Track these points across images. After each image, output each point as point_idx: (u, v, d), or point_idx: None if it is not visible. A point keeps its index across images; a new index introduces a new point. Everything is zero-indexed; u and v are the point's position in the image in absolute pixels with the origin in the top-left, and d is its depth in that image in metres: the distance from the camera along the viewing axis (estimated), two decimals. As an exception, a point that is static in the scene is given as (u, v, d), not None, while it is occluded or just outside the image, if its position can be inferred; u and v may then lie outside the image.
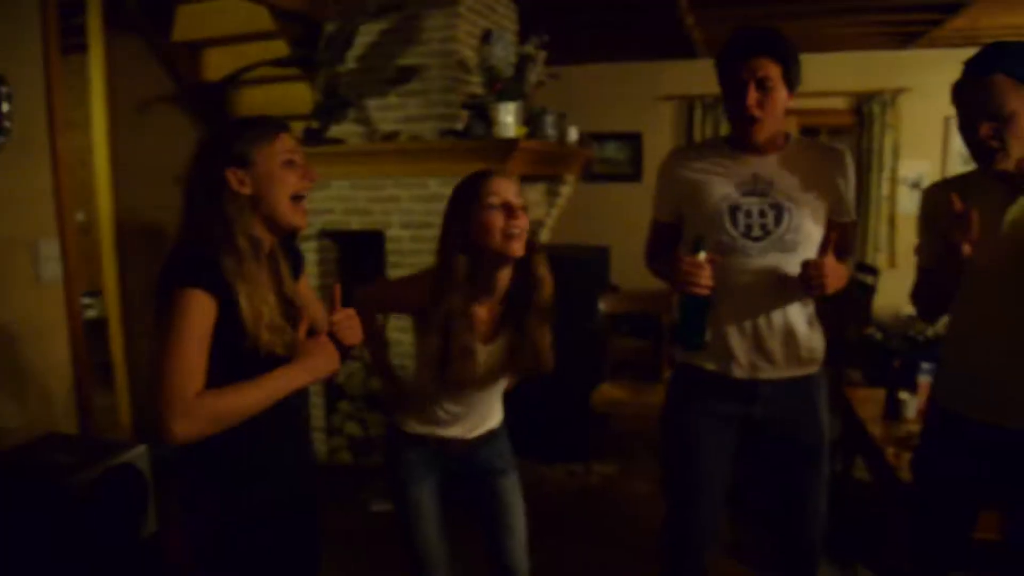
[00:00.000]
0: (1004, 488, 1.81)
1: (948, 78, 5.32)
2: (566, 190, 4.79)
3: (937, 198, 1.91)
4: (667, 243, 2.16)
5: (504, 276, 1.90)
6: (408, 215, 3.77)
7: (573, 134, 4.33)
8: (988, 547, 2.09)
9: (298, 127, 3.88)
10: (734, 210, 1.97)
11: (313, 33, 3.89)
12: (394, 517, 2.09)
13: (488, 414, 2.08)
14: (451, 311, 1.83)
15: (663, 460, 2.30)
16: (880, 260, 5.80)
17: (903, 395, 3.39)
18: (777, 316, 1.99)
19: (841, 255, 1.98)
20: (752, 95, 1.88)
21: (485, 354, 1.92)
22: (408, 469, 2.03)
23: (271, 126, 1.59)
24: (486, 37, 3.71)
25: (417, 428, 2.03)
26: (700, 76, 6.07)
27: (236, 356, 1.46)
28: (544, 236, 4.78)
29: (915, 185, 5.88)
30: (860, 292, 5.32)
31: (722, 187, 1.99)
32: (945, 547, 1.97)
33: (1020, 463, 1.76)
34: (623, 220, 5.92)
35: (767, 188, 1.97)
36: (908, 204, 5.87)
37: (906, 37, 5.35)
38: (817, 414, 2.08)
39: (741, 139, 1.99)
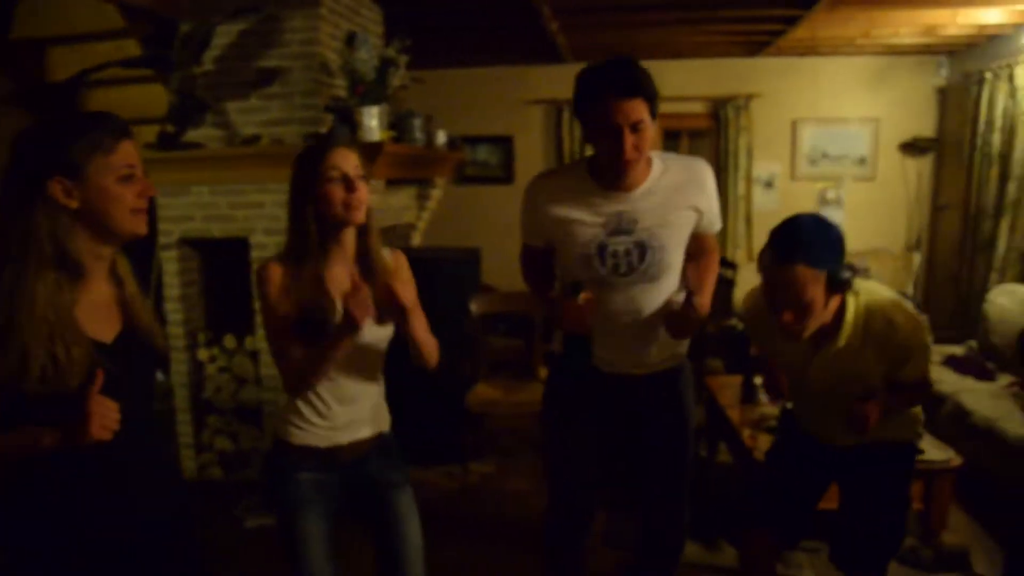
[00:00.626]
0: (835, 475, 2.23)
1: (794, 84, 5.76)
2: (436, 193, 4.81)
3: (754, 320, 2.21)
4: (541, 265, 2.25)
5: (350, 238, 1.91)
6: (273, 221, 3.66)
7: (441, 137, 4.36)
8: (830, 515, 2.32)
9: (153, 130, 3.71)
10: (602, 250, 2.06)
11: (168, 32, 3.72)
12: (272, 533, 2.00)
13: (374, 413, 2.02)
14: (309, 277, 1.82)
15: (544, 455, 2.40)
16: (739, 255, 6.16)
17: (758, 380, 3.61)
18: (645, 330, 2.13)
19: (704, 277, 2.21)
20: (628, 140, 1.87)
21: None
22: (296, 494, 1.92)
23: (110, 131, 1.44)
24: (350, 40, 3.66)
25: (304, 438, 1.93)
26: (567, 81, 6.11)
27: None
28: (416, 239, 4.78)
29: (768, 184, 6.28)
30: (721, 285, 5.61)
31: (589, 229, 2.05)
32: (793, 517, 2.30)
33: (844, 463, 2.16)
34: (496, 222, 6.03)
35: (632, 226, 2.04)
36: (763, 201, 6.25)
37: (755, 46, 5.70)
38: (683, 401, 2.25)
39: (611, 179, 2.00)
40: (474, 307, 3.91)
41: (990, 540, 3.24)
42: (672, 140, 6.52)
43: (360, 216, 1.84)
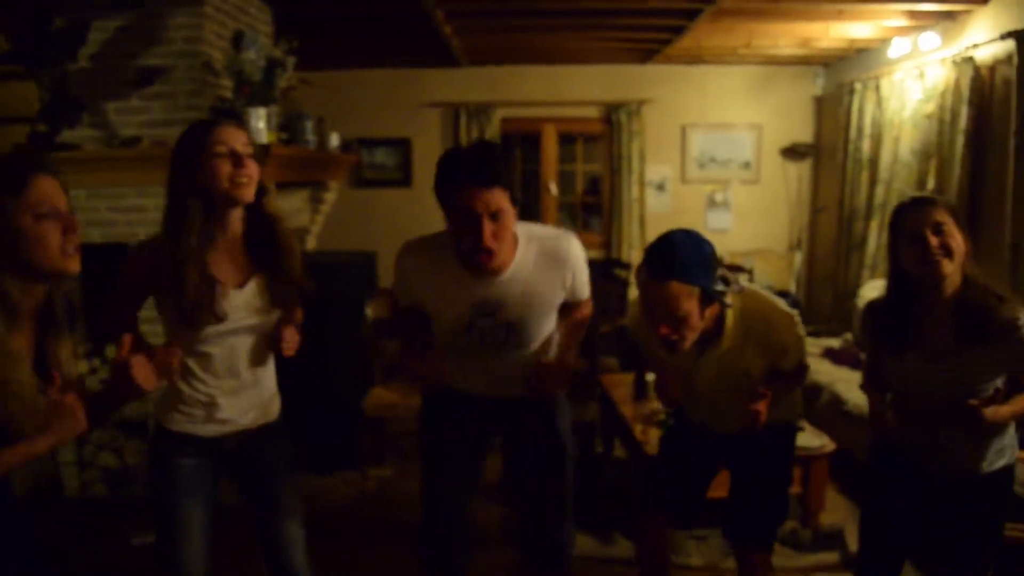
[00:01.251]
0: (724, 457, 2.37)
1: (683, 91, 5.98)
2: (330, 196, 4.74)
3: (638, 331, 2.28)
4: (412, 318, 2.24)
5: (236, 220, 1.87)
6: (154, 226, 3.47)
7: (335, 140, 4.30)
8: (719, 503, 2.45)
9: (23, 130, 3.51)
10: (469, 328, 2.11)
11: (40, 27, 3.52)
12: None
13: (260, 400, 2.00)
14: (188, 252, 1.77)
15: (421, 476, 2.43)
16: (633, 256, 6.33)
17: (649, 376, 3.73)
18: (517, 376, 2.17)
19: (570, 337, 2.27)
20: (487, 227, 1.87)
21: (241, 298, 1.88)
22: (177, 481, 1.90)
23: (20, 170, 1.39)
24: (236, 39, 3.57)
25: (186, 425, 1.90)
26: (463, 84, 6.31)
27: None
28: (310, 243, 4.70)
29: (660, 187, 6.50)
30: (616, 285, 5.77)
31: (455, 308, 2.09)
32: (686, 502, 2.43)
33: (732, 446, 2.28)
34: (394, 224, 5.96)
35: (496, 309, 2.07)
36: (655, 204, 6.46)
37: (645, 53, 5.89)
38: (555, 420, 2.31)
39: (473, 266, 1.99)
40: (369, 311, 3.88)
41: (863, 519, 3.46)
42: (567, 145, 6.65)
43: (248, 194, 1.81)
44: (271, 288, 1.92)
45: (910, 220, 1.90)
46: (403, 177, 6.40)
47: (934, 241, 1.85)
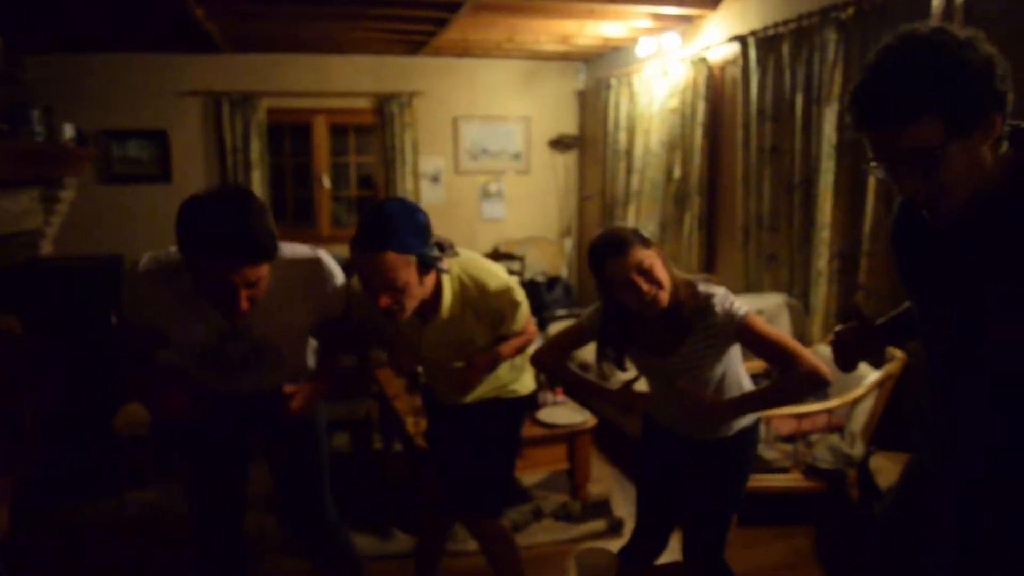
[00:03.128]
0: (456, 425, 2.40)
1: (453, 83, 6.02)
2: (67, 195, 4.26)
3: (361, 307, 2.20)
4: (142, 342, 2.11)
5: None
6: None
7: (68, 131, 3.87)
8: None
9: None
10: (215, 354, 2.03)
11: None
12: None
13: None
14: None
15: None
16: (413, 248, 6.32)
17: (420, 368, 3.73)
18: (269, 385, 2.17)
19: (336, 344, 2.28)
20: (243, 298, 1.78)
21: None
22: None
23: None
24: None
25: None
26: (225, 72, 5.93)
27: None
28: (46, 247, 4.20)
29: (435, 179, 6.53)
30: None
31: (199, 335, 1.98)
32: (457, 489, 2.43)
33: (466, 420, 2.34)
34: (154, 223, 5.52)
35: (245, 333, 2.00)
36: (430, 196, 6.49)
37: (414, 45, 5.87)
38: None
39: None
40: (115, 320, 3.53)
41: (628, 484, 3.72)
42: (339, 136, 6.50)
43: None
44: None
45: (613, 269, 1.94)
46: (161, 172, 5.90)
47: (645, 285, 1.92)
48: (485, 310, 2.12)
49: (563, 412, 3.48)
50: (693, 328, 1.98)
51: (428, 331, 2.14)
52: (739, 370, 2.17)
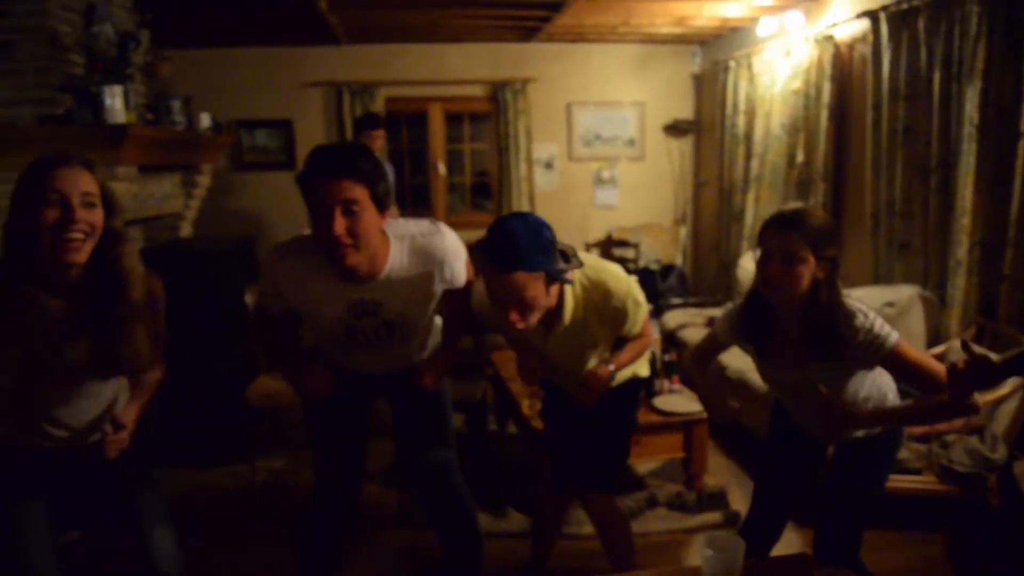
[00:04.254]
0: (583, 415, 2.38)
1: (567, 69, 6.00)
2: (204, 180, 4.52)
3: (488, 314, 2.23)
4: (280, 328, 2.23)
5: (75, 271, 1.72)
6: (4, 214, 3.26)
7: (205, 120, 4.10)
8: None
9: None
10: (349, 330, 2.11)
11: None
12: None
13: (106, 419, 1.91)
14: (14, 302, 1.64)
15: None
16: (524, 234, 6.36)
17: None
18: (395, 361, 2.29)
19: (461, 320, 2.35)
20: (340, 222, 1.82)
21: (69, 351, 1.75)
22: (14, 499, 1.78)
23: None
24: (88, 12, 3.33)
25: (16, 438, 1.82)
26: (345, 63, 6.14)
27: None
28: (185, 229, 4.48)
29: (548, 165, 6.54)
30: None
31: (332, 312, 2.07)
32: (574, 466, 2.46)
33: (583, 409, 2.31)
34: (278, 208, 5.82)
35: (376, 309, 2.07)
36: (544, 182, 6.51)
37: (527, 31, 5.89)
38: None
39: (342, 271, 1.95)
40: (249, 298, 3.73)
41: (746, 478, 3.63)
42: (455, 124, 6.60)
43: (75, 256, 1.66)
44: (103, 351, 1.80)
45: (767, 239, 1.91)
46: (286, 159, 6.18)
47: (778, 268, 1.87)
48: (608, 312, 2.13)
49: (680, 400, 3.42)
50: (831, 347, 1.89)
51: (552, 338, 2.17)
52: (881, 379, 2.06)
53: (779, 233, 1.88)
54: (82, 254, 1.67)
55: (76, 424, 1.86)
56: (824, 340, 1.89)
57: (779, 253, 1.87)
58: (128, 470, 1.97)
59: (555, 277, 1.96)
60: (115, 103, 3.06)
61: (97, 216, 1.69)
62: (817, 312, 1.89)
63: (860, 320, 1.86)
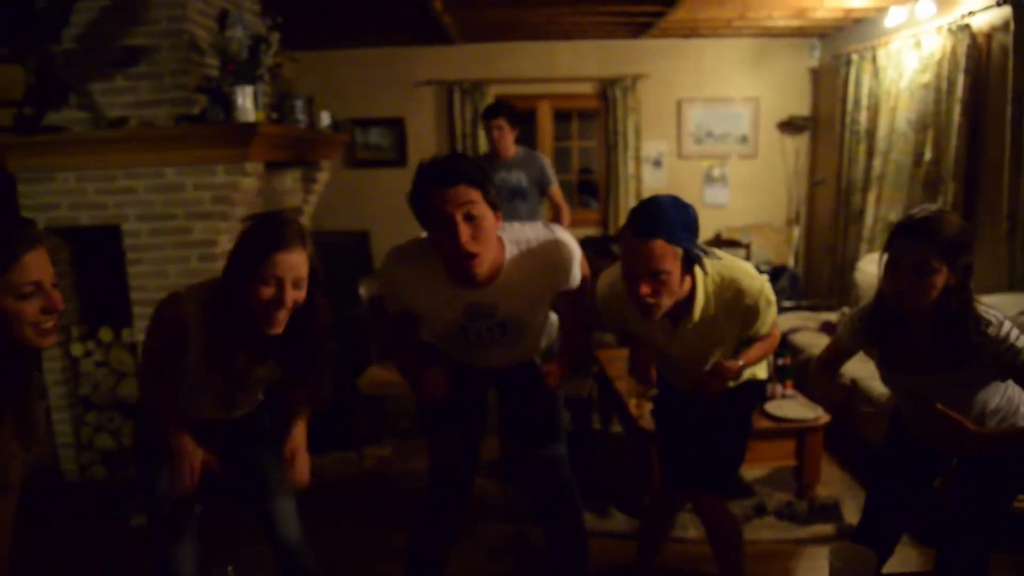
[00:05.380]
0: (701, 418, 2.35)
1: (678, 65, 5.88)
2: (323, 176, 4.70)
3: (612, 304, 2.26)
4: (401, 326, 2.27)
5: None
6: (145, 207, 3.50)
7: (325, 119, 4.26)
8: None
9: (9, 114, 3.48)
10: (464, 331, 2.15)
11: (22, 8, 3.47)
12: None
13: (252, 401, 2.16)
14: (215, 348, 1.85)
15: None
16: (630, 233, 6.29)
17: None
18: (508, 359, 2.32)
19: (577, 319, 2.33)
20: (464, 230, 1.85)
21: (255, 371, 1.96)
22: (160, 457, 1.94)
23: (12, 245, 1.39)
24: (222, 17, 3.53)
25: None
26: (457, 61, 6.24)
27: None
28: (304, 223, 4.67)
29: (657, 163, 6.45)
30: (613, 262, 5.74)
31: (447, 314, 2.11)
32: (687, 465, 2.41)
33: (708, 407, 2.30)
34: (389, 204, 5.95)
35: (491, 311, 2.10)
36: (651, 180, 6.42)
37: (639, 27, 5.81)
38: (536, 372, 2.35)
39: (460, 277, 1.98)
40: (363, 290, 3.86)
41: (860, 490, 3.46)
42: (563, 121, 6.60)
43: (278, 331, 1.82)
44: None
45: (896, 248, 1.83)
46: (398, 157, 6.35)
47: (908, 278, 1.79)
48: (739, 311, 2.08)
49: (793, 406, 3.30)
50: (961, 355, 1.79)
51: (678, 335, 2.14)
52: (1013, 391, 1.93)
53: (909, 242, 1.79)
54: (282, 327, 1.82)
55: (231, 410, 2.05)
56: (954, 348, 1.80)
57: (909, 263, 1.78)
58: (264, 445, 2.14)
59: (693, 259, 1.94)
60: (246, 103, 3.23)
61: (303, 294, 1.83)
62: (948, 319, 1.80)
63: (994, 329, 1.76)
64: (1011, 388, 1.93)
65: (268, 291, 1.75)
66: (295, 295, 1.78)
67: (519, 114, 4.57)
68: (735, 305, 2.07)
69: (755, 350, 2.21)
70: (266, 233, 1.78)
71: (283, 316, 1.78)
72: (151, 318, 1.87)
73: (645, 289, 1.92)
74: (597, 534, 3.12)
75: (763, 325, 2.15)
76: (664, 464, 2.54)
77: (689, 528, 3.14)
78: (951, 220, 1.81)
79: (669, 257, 1.88)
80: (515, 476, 3.46)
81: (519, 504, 3.30)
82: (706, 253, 2.01)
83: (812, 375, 2.27)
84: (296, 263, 1.77)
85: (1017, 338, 1.76)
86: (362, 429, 4.05)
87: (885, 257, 1.85)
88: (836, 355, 2.19)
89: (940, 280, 1.77)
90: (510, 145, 4.47)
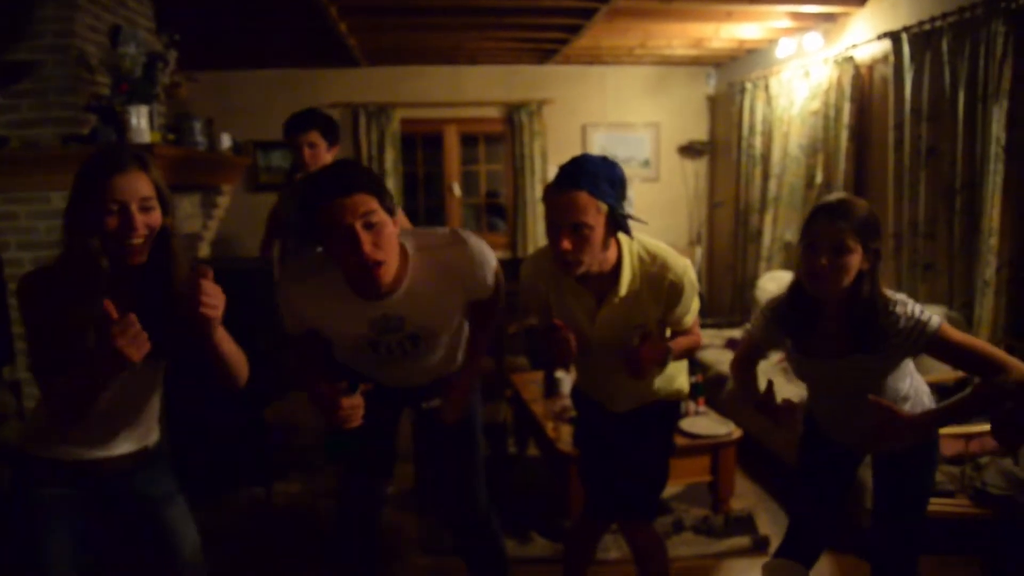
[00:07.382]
0: (617, 437, 2.32)
1: (583, 91, 5.96)
2: (224, 200, 4.52)
3: (536, 279, 2.18)
4: (310, 349, 2.12)
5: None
6: (27, 234, 3.26)
7: (226, 141, 4.11)
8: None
9: None
10: (373, 345, 2.04)
11: None
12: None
13: (139, 426, 1.86)
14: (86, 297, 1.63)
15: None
16: (539, 256, 6.34)
17: (559, 374, 3.72)
18: (422, 375, 2.23)
19: (483, 336, 2.26)
20: (366, 239, 1.76)
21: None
22: (40, 512, 1.73)
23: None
24: (114, 33, 3.35)
25: (52, 451, 1.75)
26: (362, 84, 6.16)
27: None
28: (203, 250, 4.46)
29: (563, 186, 6.52)
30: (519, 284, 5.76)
31: (354, 329, 2.00)
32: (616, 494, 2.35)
33: (625, 427, 2.29)
34: (294, 230, 5.79)
35: (399, 323, 2.00)
36: (558, 204, 6.48)
37: (544, 53, 5.91)
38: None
39: (364, 289, 1.89)
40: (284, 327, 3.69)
41: (772, 502, 3.56)
42: (469, 146, 6.61)
43: (139, 260, 1.67)
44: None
45: (814, 229, 1.86)
46: (302, 181, 6.19)
47: (826, 259, 1.82)
48: (663, 287, 2.02)
49: (706, 423, 3.37)
50: (873, 339, 1.85)
51: (602, 311, 2.07)
52: (917, 380, 2.02)
53: (827, 222, 1.83)
54: (143, 256, 1.67)
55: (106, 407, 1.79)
56: (866, 332, 1.85)
57: (827, 243, 1.82)
58: (158, 487, 1.92)
59: (619, 221, 1.90)
60: (140, 123, 3.06)
61: (155, 218, 1.67)
62: (859, 304, 1.86)
63: (901, 307, 1.83)
64: (915, 375, 2.01)
65: (113, 221, 1.61)
66: (145, 219, 1.64)
67: (336, 127, 3.65)
68: (660, 281, 2.02)
69: (681, 341, 2.16)
70: (102, 160, 1.66)
71: (140, 242, 1.64)
72: (18, 304, 1.71)
73: (566, 244, 1.87)
74: (519, 560, 3.07)
75: (686, 312, 2.11)
76: (590, 493, 2.47)
77: (611, 550, 3.13)
78: (862, 204, 1.89)
79: (592, 210, 1.84)
80: (432, 505, 3.38)
81: (438, 536, 3.21)
82: (632, 218, 1.96)
83: (731, 373, 2.29)
84: (138, 184, 1.63)
85: (922, 313, 1.83)
86: (271, 464, 3.87)
87: (804, 242, 1.88)
88: (750, 350, 2.21)
89: (855, 261, 1.82)
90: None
